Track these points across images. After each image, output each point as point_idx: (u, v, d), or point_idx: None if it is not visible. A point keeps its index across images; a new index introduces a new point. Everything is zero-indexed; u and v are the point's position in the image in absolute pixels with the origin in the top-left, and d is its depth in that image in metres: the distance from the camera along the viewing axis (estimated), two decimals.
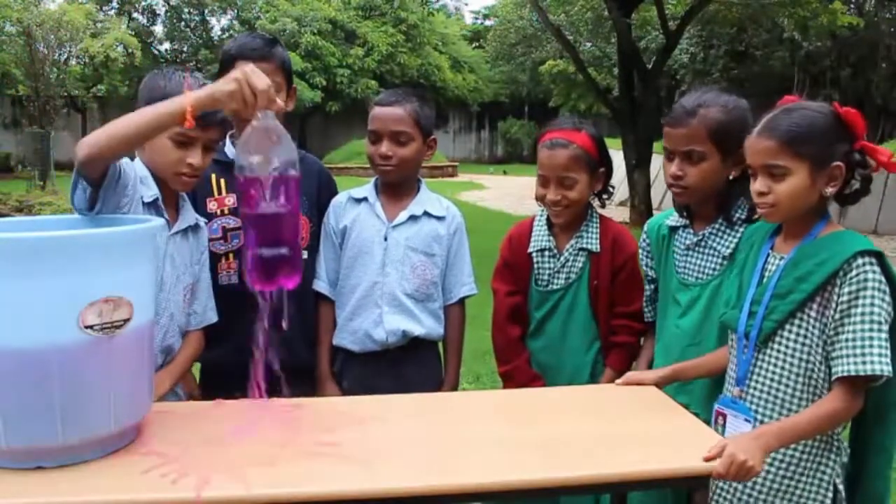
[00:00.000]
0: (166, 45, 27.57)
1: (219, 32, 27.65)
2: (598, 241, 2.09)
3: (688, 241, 1.93)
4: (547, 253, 2.13)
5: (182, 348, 1.88)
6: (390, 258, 2.13)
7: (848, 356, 1.48)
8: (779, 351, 1.60)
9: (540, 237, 2.15)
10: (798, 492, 1.59)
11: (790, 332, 1.59)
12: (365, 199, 2.19)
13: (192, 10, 26.73)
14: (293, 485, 1.26)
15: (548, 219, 2.16)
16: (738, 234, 1.85)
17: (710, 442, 1.45)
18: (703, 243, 1.90)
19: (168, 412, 1.58)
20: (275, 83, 2.07)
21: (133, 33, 24.29)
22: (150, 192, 1.77)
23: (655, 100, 11.80)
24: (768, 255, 1.68)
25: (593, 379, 2.08)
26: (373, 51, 26.11)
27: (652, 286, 2.08)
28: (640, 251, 2.11)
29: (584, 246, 2.09)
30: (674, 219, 2.00)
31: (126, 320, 1.31)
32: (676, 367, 1.81)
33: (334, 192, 2.29)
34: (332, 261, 2.19)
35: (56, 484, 1.24)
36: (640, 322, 2.10)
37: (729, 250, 1.85)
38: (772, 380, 1.62)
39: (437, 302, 2.19)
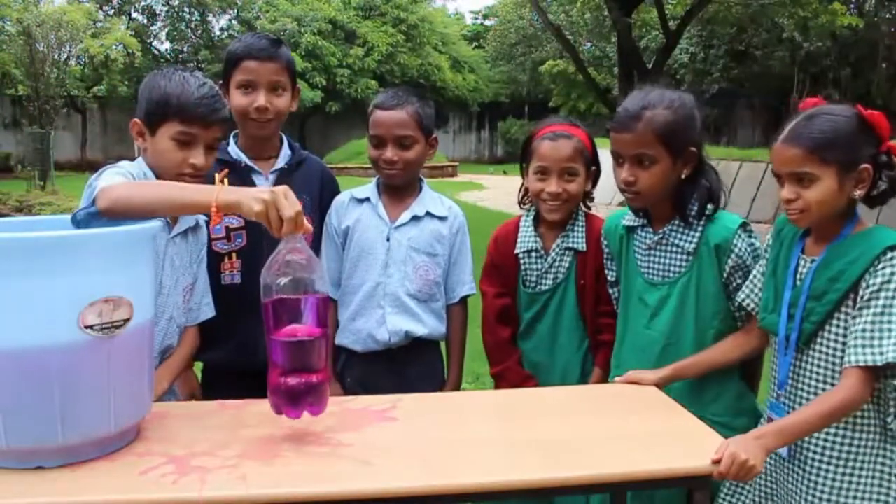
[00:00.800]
0: (166, 45, 27.59)
1: (218, 32, 27.65)
2: (584, 239, 2.09)
3: (648, 241, 1.91)
4: (534, 254, 2.12)
5: (178, 346, 1.87)
6: (393, 259, 2.13)
7: (863, 346, 1.49)
8: (820, 352, 1.60)
9: (526, 238, 2.14)
10: (861, 486, 1.57)
11: (829, 332, 1.59)
12: (367, 199, 2.18)
13: (191, 10, 26.71)
14: (293, 485, 1.26)
15: (534, 219, 2.15)
16: (699, 230, 1.83)
17: (710, 441, 1.45)
18: (664, 241, 1.88)
19: (168, 412, 1.58)
20: (280, 83, 2.11)
21: (133, 33, 24.29)
22: None
23: None
24: (799, 257, 1.67)
25: (584, 377, 2.09)
26: (373, 51, 26.10)
27: (615, 289, 2.05)
28: (603, 255, 2.07)
29: (571, 245, 2.09)
30: (629, 218, 1.97)
31: (126, 320, 1.31)
32: (676, 366, 1.80)
33: (336, 192, 2.29)
34: (333, 261, 2.19)
35: (56, 484, 1.24)
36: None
37: (692, 246, 1.83)
38: (816, 380, 1.62)
39: (439, 301, 2.19)
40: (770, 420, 1.69)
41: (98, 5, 24.56)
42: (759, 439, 1.46)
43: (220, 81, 2.15)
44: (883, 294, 1.49)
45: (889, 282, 1.49)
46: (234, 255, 2.11)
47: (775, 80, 21.34)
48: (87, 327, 1.26)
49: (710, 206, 1.85)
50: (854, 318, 1.52)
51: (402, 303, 2.12)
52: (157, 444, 1.41)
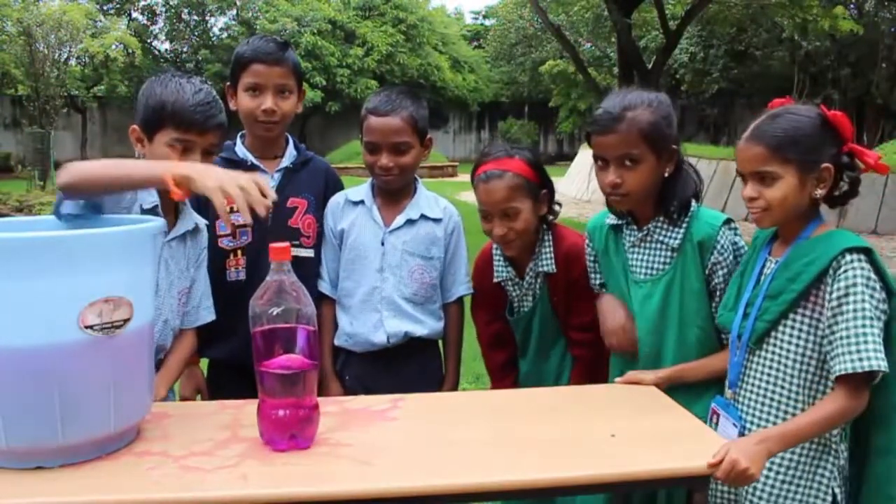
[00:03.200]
0: (166, 45, 27.58)
1: (218, 32, 27.65)
2: (552, 261, 2.05)
3: (633, 238, 1.90)
4: (510, 282, 2.11)
5: (173, 350, 1.86)
6: (388, 263, 2.13)
7: (844, 354, 1.48)
8: (772, 352, 1.60)
9: (500, 268, 2.11)
10: (797, 497, 1.58)
11: (783, 332, 1.59)
12: (362, 202, 2.18)
13: (191, 11, 26.71)
14: (293, 485, 1.26)
15: None
16: (683, 227, 1.82)
17: (711, 442, 1.45)
18: (649, 238, 1.87)
19: (168, 412, 1.58)
20: (286, 86, 2.13)
21: (133, 33, 24.29)
22: (151, 198, 1.77)
23: None
24: (766, 258, 1.68)
25: None
26: (372, 51, 26.11)
27: (603, 290, 2.02)
28: (587, 254, 2.04)
29: (542, 269, 2.05)
30: (612, 218, 1.95)
31: (126, 320, 1.31)
32: (677, 368, 1.80)
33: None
34: (332, 261, 2.19)
35: (56, 484, 1.24)
36: (593, 332, 2.01)
37: (677, 242, 1.82)
38: (766, 381, 1.62)
39: (437, 303, 2.19)
40: (714, 413, 1.70)
41: (98, 5, 24.55)
42: (761, 444, 1.45)
43: (228, 84, 2.19)
44: (851, 299, 1.48)
45: (854, 285, 1.49)
46: (239, 252, 2.13)
47: (775, 80, 21.33)
48: (87, 327, 1.26)
49: (693, 204, 1.84)
50: (829, 326, 1.51)
51: (398, 306, 2.12)
52: (157, 444, 1.41)
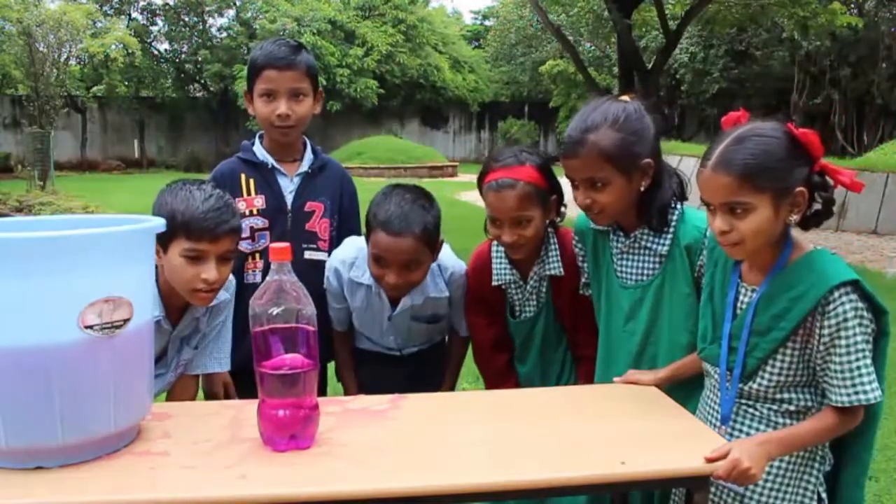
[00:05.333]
0: (165, 45, 27.56)
1: (217, 33, 27.63)
2: (559, 264, 2.02)
3: (620, 245, 1.87)
4: (513, 285, 2.08)
5: (175, 392, 1.89)
6: (397, 330, 2.14)
7: (839, 387, 1.48)
8: (764, 386, 1.58)
9: (502, 270, 2.06)
10: (785, 501, 1.59)
11: (773, 366, 1.56)
12: (367, 285, 2.07)
13: (190, 11, 26.69)
14: (293, 485, 1.26)
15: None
16: (671, 232, 1.79)
17: (711, 442, 1.45)
18: (636, 245, 1.84)
19: (168, 412, 1.58)
20: (300, 89, 2.13)
21: (133, 33, 24.28)
22: (155, 312, 1.72)
23: (655, 100, 11.81)
24: (738, 284, 1.62)
25: None
26: (372, 51, 26.08)
27: (589, 290, 2.00)
28: (575, 253, 2.01)
29: (548, 272, 2.03)
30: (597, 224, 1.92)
31: (126, 320, 1.31)
32: (674, 366, 1.80)
33: (354, 196, 2.33)
34: (339, 311, 2.16)
35: (56, 484, 1.24)
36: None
37: (665, 248, 1.80)
38: (760, 413, 1.60)
39: (444, 321, 2.21)
40: None
41: (98, 5, 24.54)
42: (762, 445, 1.45)
43: (246, 91, 2.21)
44: (843, 334, 1.46)
45: (845, 321, 1.46)
46: (257, 255, 2.16)
47: (775, 80, 21.33)
48: (87, 327, 1.26)
49: (677, 209, 1.81)
50: (823, 358, 1.50)
51: (410, 344, 2.19)
52: (157, 444, 1.41)
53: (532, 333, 2.10)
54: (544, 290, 2.06)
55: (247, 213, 2.13)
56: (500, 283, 2.07)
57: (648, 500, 1.85)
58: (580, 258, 2.01)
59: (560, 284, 2.04)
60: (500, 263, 2.07)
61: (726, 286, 1.64)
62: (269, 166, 2.18)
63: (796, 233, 1.57)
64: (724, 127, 1.56)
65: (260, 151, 2.20)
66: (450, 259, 2.13)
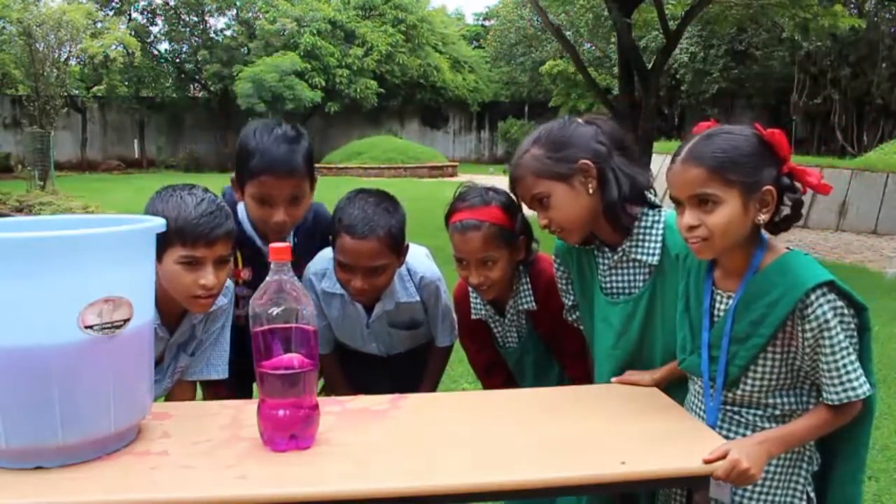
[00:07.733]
0: (165, 45, 27.58)
1: (217, 33, 27.64)
2: (531, 298, 2.02)
3: (608, 261, 1.84)
4: (491, 320, 2.09)
5: (173, 396, 1.86)
6: (378, 337, 2.15)
7: (830, 386, 1.48)
8: (748, 392, 1.58)
9: (477, 306, 2.09)
10: (775, 500, 1.58)
11: (755, 372, 1.56)
12: (340, 294, 2.06)
13: (191, 11, 26.69)
14: (293, 485, 1.26)
15: None
16: (659, 241, 1.76)
17: (711, 442, 1.45)
18: (625, 258, 1.81)
19: (168, 412, 1.58)
20: (299, 192, 1.94)
21: (132, 33, 24.29)
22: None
23: (655, 100, 11.80)
24: (713, 291, 1.61)
25: None
26: (372, 51, 26.10)
27: (575, 314, 1.98)
28: (557, 277, 1.98)
29: (522, 307, 2.03)
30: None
31: (126, 320, 1.31)
32: (671, 366, 1.79)
33: (326, 238, 2.09)
34: (321, 329, 2.06)
35: (56, 484, 1.24)
36: (586, 359, 2.01)
37: (655, 259, 1.76)
38: (747, 420, 1.60)
39: (424, 326, 2.21)
40: None
41: (98, 5, 24.55)
42: (761, 444, 1.45)
43: (234, 178, 2.01)
44: (826, 334, 1.45)
45: (826, 321, 1.45)
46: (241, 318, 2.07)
47: (775, 80, 21.34)
48: (87, 327, 1.26)
49: (650, 214, 1.77)
50: (811, 359, 1.49)
51: (392, 350, 2.20)
52: (157, 444, 1.41)
53: (522, 360, 2.11)
54: (524, 321, 2.06)
55: (234, 279, 2.01)
56: (477, 317, 2.09)
57: (652, 498, 1.86)
58: (563, 281, 1.97)
59: (537, 316, 2.04)
60: (476, 300, 2.09)
61: (701, 294, 1.63)
62: (257, 247, 2.04)
63: (770, 236, 1.56)
64: (696, 132, 1.57)
65: (248, 227, 2.05)
66: (420, 264, 2.12)
